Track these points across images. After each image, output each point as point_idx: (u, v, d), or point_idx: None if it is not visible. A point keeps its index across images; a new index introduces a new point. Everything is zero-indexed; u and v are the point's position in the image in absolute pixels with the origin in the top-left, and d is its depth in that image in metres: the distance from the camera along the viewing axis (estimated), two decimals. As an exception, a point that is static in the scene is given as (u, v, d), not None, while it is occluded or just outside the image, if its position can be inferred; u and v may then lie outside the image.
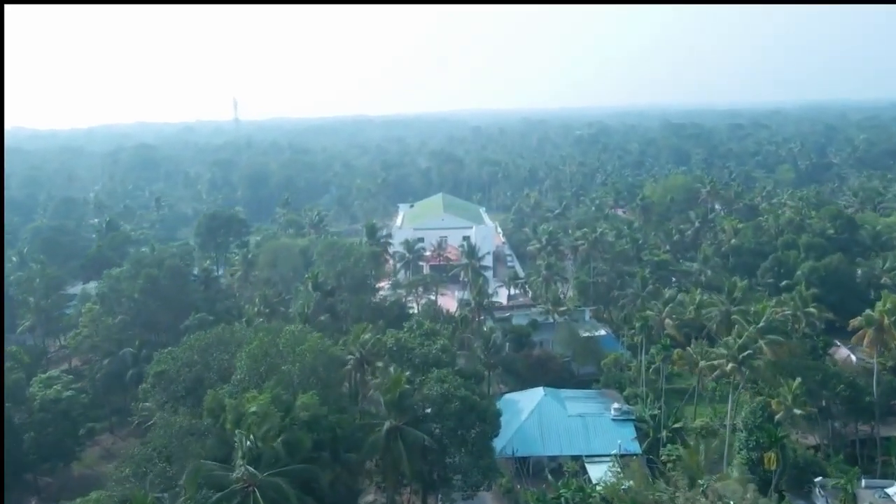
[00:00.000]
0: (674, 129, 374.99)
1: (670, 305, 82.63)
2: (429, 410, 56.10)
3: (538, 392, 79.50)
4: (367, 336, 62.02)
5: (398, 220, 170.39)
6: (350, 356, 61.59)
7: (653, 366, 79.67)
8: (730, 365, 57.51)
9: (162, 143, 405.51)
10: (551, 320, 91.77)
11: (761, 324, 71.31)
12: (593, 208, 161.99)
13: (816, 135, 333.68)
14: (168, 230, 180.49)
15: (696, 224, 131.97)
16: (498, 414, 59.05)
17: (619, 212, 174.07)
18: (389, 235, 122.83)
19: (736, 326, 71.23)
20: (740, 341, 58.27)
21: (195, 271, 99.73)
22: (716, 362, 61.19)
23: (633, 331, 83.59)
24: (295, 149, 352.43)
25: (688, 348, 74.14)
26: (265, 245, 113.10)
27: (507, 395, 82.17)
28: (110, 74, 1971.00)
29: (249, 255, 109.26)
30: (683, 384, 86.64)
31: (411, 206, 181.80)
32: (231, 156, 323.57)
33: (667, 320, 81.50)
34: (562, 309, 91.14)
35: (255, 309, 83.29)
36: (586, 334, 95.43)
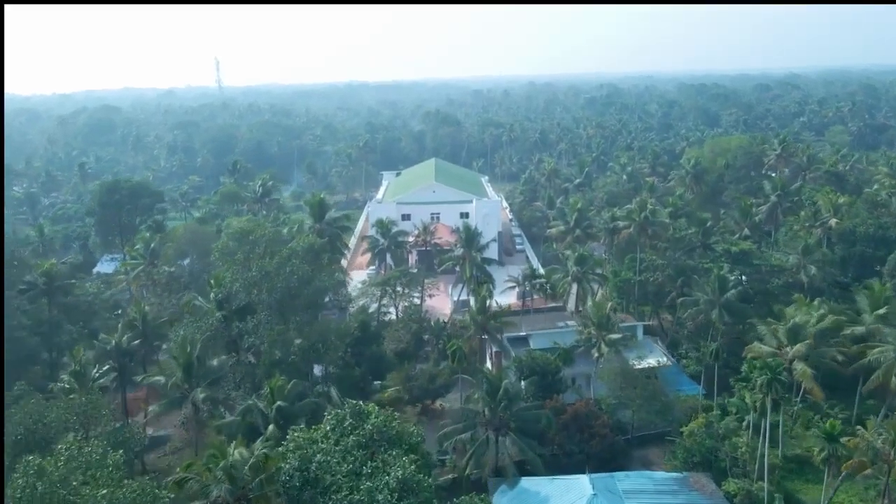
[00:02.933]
0: (695, 90, 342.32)
1: (807, 341, 48.70)
2: None
3: (582, 486, 46.95)
4: (237, 454, 28.59)
5: (380, 193, 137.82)
6: (212, 493, 28.48)
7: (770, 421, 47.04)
8: None
9: (132, 107, 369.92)
10: (596, 354, 58.37)
11: None
12: (624, 176, 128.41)
13: (857, 95, 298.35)
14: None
15: (773, 198, 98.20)
16: None
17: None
18: (345, 217, 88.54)
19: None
20: None
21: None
22: None
23: (746, 385, 50.15)
24: (275, 111, 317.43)
25: (861, 431, 40.91)
26: (174, 230, 79.03)
27: (527, 483, 49.30)
28: (101, 40, 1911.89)
29: (153, 245, 75.79)
30: (798, 448, 54.71)
31: (398, 175, 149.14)
32: (203, 119, 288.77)
33: (798, 364, 48.18)
34: (614, 337, 57.58)
35: (112, 342, 50.23)
36: (642, 365, 62.73)
